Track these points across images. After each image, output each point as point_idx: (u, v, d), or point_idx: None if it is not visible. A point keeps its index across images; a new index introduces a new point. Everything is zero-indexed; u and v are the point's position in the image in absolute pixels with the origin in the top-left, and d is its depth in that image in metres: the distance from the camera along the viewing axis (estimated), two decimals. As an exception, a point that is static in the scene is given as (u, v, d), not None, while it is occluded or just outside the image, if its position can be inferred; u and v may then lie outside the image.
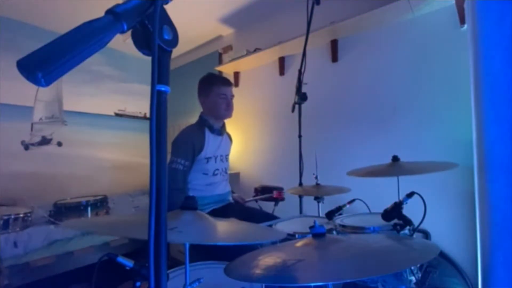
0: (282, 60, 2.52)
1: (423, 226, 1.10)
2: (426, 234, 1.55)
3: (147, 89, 0.43)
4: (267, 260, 0.69)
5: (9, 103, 2.48)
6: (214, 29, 2.98)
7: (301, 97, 1.76)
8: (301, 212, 1.76)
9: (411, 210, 0.95)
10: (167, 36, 0.47)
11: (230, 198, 1.77)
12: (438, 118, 1.65)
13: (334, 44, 2.13)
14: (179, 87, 3.38)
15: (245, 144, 2.84)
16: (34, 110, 2.68)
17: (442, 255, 1.51)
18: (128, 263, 0.66)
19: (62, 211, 2.54)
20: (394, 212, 0.96)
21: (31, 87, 2.48)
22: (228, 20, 2.79)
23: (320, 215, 1.47)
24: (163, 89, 0.47)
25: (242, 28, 2.92)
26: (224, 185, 1.73)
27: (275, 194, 1.87)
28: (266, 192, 1.89)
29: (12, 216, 2.08)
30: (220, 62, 3.08)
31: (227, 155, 1.79)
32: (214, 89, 1.66)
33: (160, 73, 0.46)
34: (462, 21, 1.54)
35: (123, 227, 0.75)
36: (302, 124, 1.85)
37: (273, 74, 2.58)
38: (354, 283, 0.94)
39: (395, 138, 1.81)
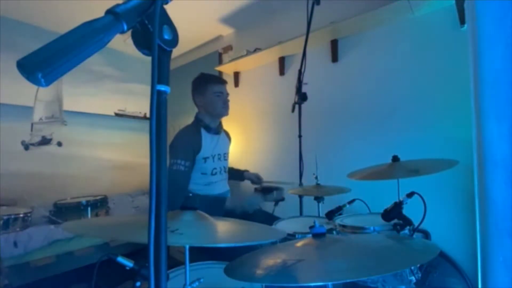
0: (282, 60, 2.52)
1: (423, 226, 1.10)
2: (426, 234, 1.55)
3: (147, 89, 0.44)
4: (267, 260, 0.69)
5: (9, 103, 2.48)
6: (214, 29, 2.98)
7: (301, 97, 1.76)
8: (301, 212, 1.76)
9: (411, 210, 0.95)
10: (167, 36, 0.47)
11: (229, 196, 1.77)
12: (438, 118, 1.65)
13: (334, 44, 2.13)
14: (179, 87, 3.38)
15: (245, 144, 2.84)
16: (34, 110, 2.68)
17: (442, 255, 1.51)
18: (128, 263, 0.66)
19: (62, 211, 2.54)
20: (394, 212, 0.96)
21: (31, 87, 2.48)
22: (228, 20, 2.79)
23: (320, 215, 1.47)
24: (163, 89, 0.47)
25: (242, 28, 2.92)
26: (222, 184, 1.74)
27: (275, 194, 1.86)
28: (266, 192, 1.89)
29: (12, 216, 2.08)
30: (220, 62, 3.08)
31: (226, 153, 1.78)
32: (210, 88, 1.66)
33: (160, 73, 0.46)
34: (462, 21, 1.54)
35: (124, 230, 0.74)
36: (302, 124, 1.85)
37: (273, 74, 2.58)
38: (354, 283, 0.94)
39: (395, 137, 1.81)
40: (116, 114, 3.33)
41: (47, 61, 0.33)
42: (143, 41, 0.47)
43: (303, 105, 1.82)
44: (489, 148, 0.69)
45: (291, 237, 1.10)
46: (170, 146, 1.55)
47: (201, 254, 1.22)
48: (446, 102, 1.62)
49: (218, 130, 1.71)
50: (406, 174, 1.16)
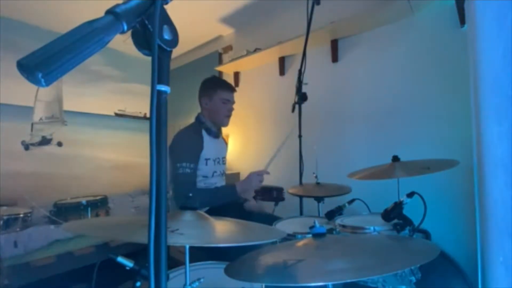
0: (282, 60, 2.52)
1: (423, 226, 1.10)
2: (426, 234, 1.55)
3: (147, 89, 0.44)
4: (267, 260, 0.69)
5: (9, 103, 2.48)
6: (214, 29, 2.98)
7: (301, 97, 1.76)
8: (301, 212, 1.76)
9: (411, 210, 0.95)
10: (167, 36, 0.47)
11: None
12: (438, 118, 1.65)
13: (334, 44, 2.13)
14: (179, 87, 3.38)
15: (245, 144, 2.84)
16: (34, 110, 2.67)
17: (442, 255, 1.51)
18: (128, 263, 0.66)
19: (62, 211, 2.54)
20: (394, 212, 0.96)
21: (31, 87, 2.48)
22: (228, 20, 2.79)
23: (320, 215, 1.47)
24: (163, 89, 0.47)
25: (242, 28, 2.92)
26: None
27: (275, 194, 1.86)
28: (266, 192, 1.89)
29: (12, 216, 2.08)
30: (220, 62, 3.08)
31: (224, 157, 1.79)
32: (219, 93, 1.66)
33: (160, 73, 0.46)
34: (462, 21, 1.54)
35: (124, 230, 0.74)
36: (302, 124, 1.85)
37: (273, 74, 2.57)
38: (354, 283, 0.94)
39: (395, 137, 1.81)
40: (116, 114, 3.32)
41: (47, 61, 0.33)
42: (143, 41, 0.47)
43: (303, 105, 1.82)
44: (489, 148, 0.69)
45: (291, 237, 1.10)
46: (172, 148, 1.54)
47: (201, 254, 1.22)
48: (446, 102, 1.62)
49: (218, 134, 1.72)
50: (415, 172, 1.16)
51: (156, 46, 0.44)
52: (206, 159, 1.60)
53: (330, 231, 1.12)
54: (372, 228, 1.03)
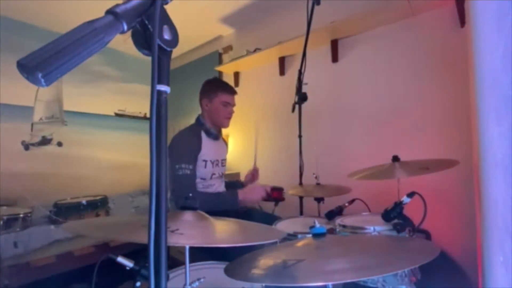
0: (282, 60, 2.52)
1: (424, 226, 1.10)
2: (427, 234, 1.55)
3: (147, 89, 0.43)
4: (267, 260, 0.69)
5: (9, 103, 2.49)
6: (214, 29, 2.98)
7: (301, 97, 1.76)
8: (301, 212, 1.76)
9: (411, 210, 0.95)
10: (167, 36, 0.47)
11: None
12: (438, 118, 1.65)
13: (334, 44, 2.13)
14: (179, 87, 3.38)
15: (245, 144, 2.84)
16: (34, 110, 2.68)
17: (442, 255, 1.51)
18: (128, 263, 0.66)
19: (62, 211, 2.54)
20: (394, 212, 0.96)
21: (31, 87, 2.48)
22: (228, 20, 2.79)
23: (320, 215, 1.47)
24: (163, 89, 0.47)
25: (242, 28, 2.92)
26: (221, 188, 1.74)
27: (274, 194, 1.86)
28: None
29: (12, 216, 2.08)
30: (220, 62, 3.09)
31: (223, 159, 1.79)
32: (219, 95, 1.65)
33: (160, 73, 0.46)
34: (462, 21, 1.54)
35: (124, 230, 0.74)
36: (302, 124, 1.85)
37: (273, 74, 2.57)
38: (354, 283, 0.94)
39: (395, 137, 1.81)
40: (116, 114, 3.33)
41: (47, 61, 0.33)
42: (143, 41, 0.47)
43: (303, 105, 1.82)
44: (489, 148, 0.69)
45: (291, 237, 1.10)
46: (170, 149, 1.53)
47: (201, 254, 1.22)
48: (446, 102, 1.62)
49: (217, 135, 1.71)
50: (415, 172, 1.16)
51: (156, 46, 0.44)
52: (204, 161, 1.59)
53: (330, 231, 1.12)
54: (372, 228, 1.03)
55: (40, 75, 0.32)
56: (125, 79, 3.39)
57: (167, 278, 0.48)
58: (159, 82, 0.46)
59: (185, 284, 0.72)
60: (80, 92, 2.99)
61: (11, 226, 2.07)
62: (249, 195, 1.53)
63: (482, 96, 0.72)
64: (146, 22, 0.45)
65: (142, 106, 3.52)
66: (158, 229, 0.44)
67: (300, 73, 1.75)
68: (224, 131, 1.87)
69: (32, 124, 2.66)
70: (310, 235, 0.75)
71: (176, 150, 1.52)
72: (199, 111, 1.73)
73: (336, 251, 0.68)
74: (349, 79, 2.08)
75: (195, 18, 2.68)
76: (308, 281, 0.54)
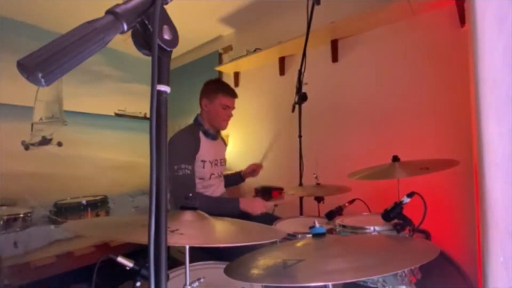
0: (282, 60, 2.52)
1: (424, 226, 1.10)
2: (426, 234, 1.55)
3: (147, 89, 0.44)
4: (267, 260, 0.69)
5: (9, 103, 2.49)
6: (214, 29, 2.98)
7: (301, 97, 1.76)
8: (301, 212, 1.76)
9: (411, 210, 0.95)
10: (167, 36, 0.47)
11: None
12: (438, 118, 1.65)
13: (334, 44, 2.13)
14: (179, 87, 3.38)
15: (245, 144, 2.84)
16: (34, 110, 2.68)
17: (442, 255, 1.51)
18: (128, 263, 0.66)
19: (62, 211, 2.54)
20: (394, 212, 0.96)
21: (31, 87, 2.48)
22: (228, 20, 2.79)
23: (320, 215, 1.47)
24: (163, 89, 0.47)
25: (242, 28, 2.92)
26: (221, 188, 1.74)
27: (274, 194, 1.87)
28: (266, 192, 1.89)
29: (12, 216, 2.08)
30: (220, 62, 3.08)
31: (222, 159, 1.78)
32: (220, 98, 1.65)
33: (160, 73, 0.46)
34: (462, 21, 1.54)
35: (124, 230, 0.74)
36: (302, 124, 1.85)
37: (273, 74, 2.57)
38: (354, 283, 0.94)
39: (395, 137, 1.81)
40: (116, 114, 3.33)
41: (47, 61, 0.33)
42: (143, 41, 0.47)
43: (303, 105, 1.82)
44: (489, 148, 0.69)
45: (291, 237, 1.10)
46: (169, 150, 1.52)
47: (201, 254, 1.22)
48: (446, 102, 1.62)
49: (215, 136, 1.71)
50: (415, 172, 1.16)
51: (156, 46, 0.44)
52: (203, 161, 1.59)
53: (330, 231, 1.12)
54: (372, 228, 1.03)
55: (40, 75, 0.32)
56: (125, 79, 3.39)
57: (167, 278, 0.48)
58: (159, 82, 0.46)
59: (185, 284, 0.72)
60: (80, 92, 2.99)
61: (11, 226, 2.07)
62: (249, 208, 1.51)
63: (482, 96, 0.72)
64: (146, 22, 0.45)
65: (142, 106, 3.52)
66: (158, 229, 0.44)
67: (300, 73, 1.75)
68: (224, 131, 1.87)
69: (32, 124, 2.66)
70: (310, 235, 0.75)
71: (174, 151, 1.52)
72: (199, 111, 1.73)
73: (336, 251, 0.68)
74: (349, 79, 2.08)
75: (195, 18, 2.68)
76: (308, 281, 0.54)
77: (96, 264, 0.70)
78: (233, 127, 2.84)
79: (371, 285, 0.92)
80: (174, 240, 0.62)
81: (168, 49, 0.47)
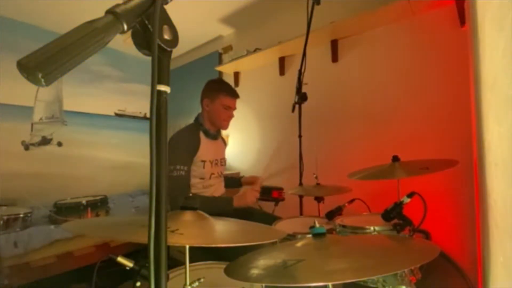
0: (282, 60, 2.52)
1: (424, 226, 1.10)
2: (426, 234, 1.55)
3: (147, 89, 0.44)
4: (267, 260, 0.69)
5: (9, 103, 2.49)
6: (214, 29, 2.98)
7: (301, 97, 1.76)
8: (301, 212, 1.76)
9: (411, 210, 0.95)
10: (167, 36, 0.47)
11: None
12: (438, 118, 1.65)
13: (334, 44, 2.13)
14: (179, 87, 3.38)
15: (245, 144, 2.84)
16: (34, 110, 2.68)
17: (442, 255, 1.51)
18: (128, 263, 0.66)
19: (62, 211, 2.54)
20: (394, 212, 0.96)
21: (31, 87, 2.48)
22: (228, 20, 2.79)
23: (320, 215, 1.47)
24: (163, 89, 0.47)
25: (242, 28, 2.92)
26: (221, 188, 1.74)
27: (274, 194, 1.86)
28: (266, 192, 1.88)
29: (12, 216, 2.08)
30: (220, 62, 3.09)
31: (222, 158, 1.78)
32: (221, 98, 1.64)
33: (160, 73, 0.46)
34: (462, 21, 1.54)
35: (124, 230, 0.74)
36: (302, 124, 1.85)
37: (273, 74, 2.58)
38: (354, 283, 0.94)
39: (395, 137, 1.81)
40: (116, 114, 3.33)
41: (47, 61, 0.33)
42: (143, 41, 0.47)
43: (303, 105, 1.82)
44: (489, 148, 0.69)
45: (291, 237, 1.10)
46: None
47: (201, 254, 1.22)
48: (446, 102, 1.62)
49: (216, 135, 1.71)
50: (415, 172, 1.16)
51: (156, 46, 0.44)
52: (203, 161, 1.58)
53: (330, 231, 1.12)
54: (372, 228, 1.03)
55: (40, 75, 0.32)
56: (125, 79, 3.39)
57: (167, 278, 0.48)
58: (159, 82, 0.46)
59: (185, 284, 0.72)
60: (80, 92, 2.99)
61: (11, 226, 2.07)
62: (242, 202, 1.51)
63: (482, 96, 0.72)
64: (146, 22, 0.45)
65: (142, 106, 3.52)
66: (158, 229, 0.44)
67: (300, 73, 1.75)
68: (224, 131, 1.87)
69: (32, 124, 2.66)
70: (310, 235, 0.75)
71: (171, 151, 1.51)
72: (199, 111, 1.73)
73: (336, 251, 0.68)
74: (349, 79, 2.08)
75: (195, 18, 2.68)
76: (308, 281, 0.54)
77: (96, 264, 0.70)
78: (233, 127, 2.84)
79: (371, 285, 0.92)
80: (174, 240, 0.62)
81: (168, 49, 0.47)
